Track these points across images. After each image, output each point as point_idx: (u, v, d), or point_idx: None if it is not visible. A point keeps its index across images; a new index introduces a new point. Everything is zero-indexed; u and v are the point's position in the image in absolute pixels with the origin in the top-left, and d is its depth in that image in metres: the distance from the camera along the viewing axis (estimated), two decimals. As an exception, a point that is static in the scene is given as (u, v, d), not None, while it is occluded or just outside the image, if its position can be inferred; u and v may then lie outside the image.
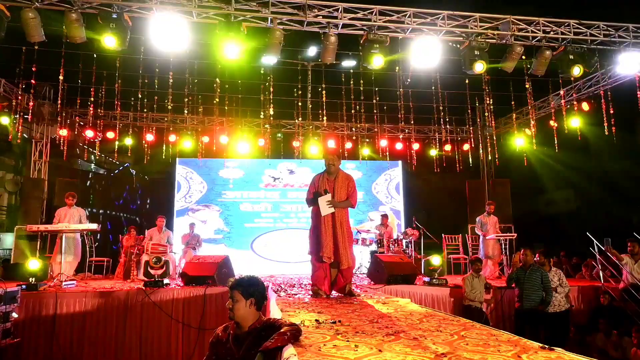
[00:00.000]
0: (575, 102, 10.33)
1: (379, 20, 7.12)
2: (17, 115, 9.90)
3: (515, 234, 9.66)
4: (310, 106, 10.65)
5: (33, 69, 7.78)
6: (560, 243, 11.32)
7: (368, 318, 3.42)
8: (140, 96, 9.52)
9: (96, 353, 6.31)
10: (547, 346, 2.34)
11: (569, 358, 2.14)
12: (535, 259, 6.71)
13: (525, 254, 6.49)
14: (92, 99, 9.55)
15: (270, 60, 9.04)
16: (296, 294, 5.21)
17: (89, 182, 13.58)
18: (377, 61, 7.14)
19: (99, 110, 10.25)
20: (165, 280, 7.00)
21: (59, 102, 8.76)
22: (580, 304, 7.65)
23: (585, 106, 10.23)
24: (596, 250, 7.89)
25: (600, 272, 7.85)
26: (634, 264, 7.32)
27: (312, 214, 5.26)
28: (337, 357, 2.12)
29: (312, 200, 5.13)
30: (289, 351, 2.18)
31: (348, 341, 2.51)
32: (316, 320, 3.25)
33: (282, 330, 2.46)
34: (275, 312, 3.97)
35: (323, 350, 2.26)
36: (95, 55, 8.20)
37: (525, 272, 6.40)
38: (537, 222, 13.05)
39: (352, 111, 10.59)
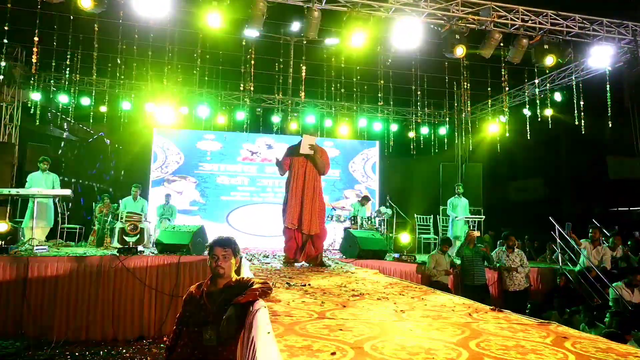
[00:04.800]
0: (548, 92, 10.67)
1: (363, -2, 7.17)
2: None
3: (484, 216, 10.05)
4: (290, 82, 10.65)
5: (5, 28, 7.53)
6: (525, 227, 11.82)
7: (337, 283, 3.61)
8: (119, 62, 9.34)
9: (68, 317, 6.36)
10: (496, 308, 2.58)
11: (514, 317, 2.38)
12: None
13: (470, 236, 7.13)
14: (67, 62, 9.30)
15: (252, 33, 9.00)
16: (269, 263, 5.37)
17: (61, 149, 13.31)
18: (359, 39, 7.23)
19: (73, 75, 10.01)
20: (140, 248, 7.06)
21: (35, 64, 8.47)
22: (539, 284, 8.10)
23: (557, 96, 10.60)
24: (557, 234, 8.32)
25: (560, 255, 8.30)
26: (592, 249, 7.78)
27: (285, 183, 5.37)
28: (304, 310, 2.29)
29: (286, 154, 5.24)
30: (260, 304, 2.34)
31: (316, 299, 2.69)
32: (287, 283, 3.42)
33: (254, 287, 2.62)
34: (251, 277, 4.12)
35: (292, 305, 2.44)
36: (72, 17, 7.97)
37: (472, 251, 6.94)
38: (506, 206, 13.56)
39: (332, 88, 10.65)
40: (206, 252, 7.12)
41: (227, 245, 2.79)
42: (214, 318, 2.64)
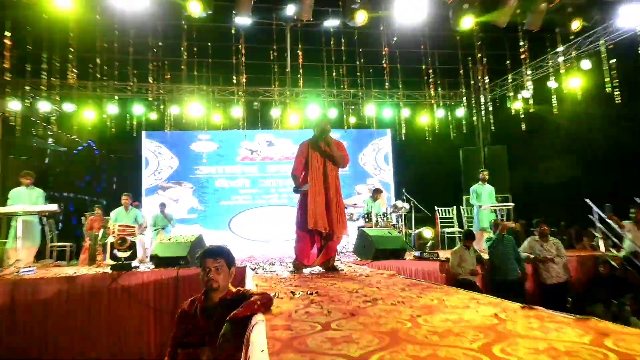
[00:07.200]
0: (574, 61, 10.42)
1: (360, -29, 7.06)
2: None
3: (513, 204, 9.86)
4: (288, 71, 10.55)
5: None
6: (560, 213, 11.59)
7: (347, 289, 3.52)
8: (98, 62, 9.33)
9: (61, 344, 6.36)
10: (527, 305, 2.47)
11: (547, 314, 2.27)
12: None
13: (496, 225, 6.97)
14: (44, 66, 9.31)
15: (243, 20, 8.92)
16: (275, 271, 5.30)
17: (47, 161, 13.38)
18: (359, 17, 7.12)
19: (52, 79, 10.02)
20: (134, 263, 7.04)
21: (6, 71, 8.48)
22: (579, 274, 7.91)
23: (585, 64, 10.34)
24: (596, 218, 8.12)
25: (601, 240, 8.10)
26: (638, 230, 7.56)
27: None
28: (307, 322, 2.21)
29: (298, 155, 5.18)
30: (257, 318, 2.26)
31: (322, 309, 2.60)
32: (291, 292, 3.34)
33: (252, 300, 2.54)
34: (250, 288, 4.06)
35: (294, 316, 2.36)
36: (44, 16, 7.96)
37: (503, 243, 6.80)
38: (535, 190, 13.32)
39: (333, 74, 10.54)
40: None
41: (219, 255, 2.72)
42: (211, 337, 2.58)
